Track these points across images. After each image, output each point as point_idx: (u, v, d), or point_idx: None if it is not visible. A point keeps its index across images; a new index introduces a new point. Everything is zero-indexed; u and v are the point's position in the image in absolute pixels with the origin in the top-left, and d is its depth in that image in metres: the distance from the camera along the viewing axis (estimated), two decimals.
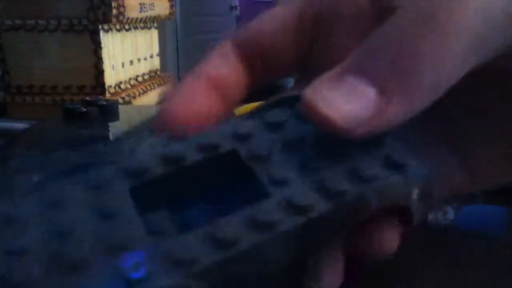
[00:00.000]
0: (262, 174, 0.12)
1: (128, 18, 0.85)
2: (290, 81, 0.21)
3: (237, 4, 3.47)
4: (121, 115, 0.51)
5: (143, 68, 0.99)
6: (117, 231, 0.11)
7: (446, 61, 0.13)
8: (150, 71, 1.04)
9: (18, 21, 0.82)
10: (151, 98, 0.97)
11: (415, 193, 0.13)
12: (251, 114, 0.14)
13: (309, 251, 0.12)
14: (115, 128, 0.49)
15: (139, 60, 0.97)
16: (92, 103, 0.49)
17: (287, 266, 0.11)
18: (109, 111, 0.48)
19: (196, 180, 0.13)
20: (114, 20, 0.81)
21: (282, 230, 0.11)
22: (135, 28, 0.95)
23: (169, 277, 0.10)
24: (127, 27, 0.90)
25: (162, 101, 0.16)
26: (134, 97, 0.88)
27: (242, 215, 0.11)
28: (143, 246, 0.10)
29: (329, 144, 0.13)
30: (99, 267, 0.10)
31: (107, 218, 0.11)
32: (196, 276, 0.10)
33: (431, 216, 0.26)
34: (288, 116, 0.14)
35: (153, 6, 0.98)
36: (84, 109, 0.46)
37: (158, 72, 1.09)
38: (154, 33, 1.06)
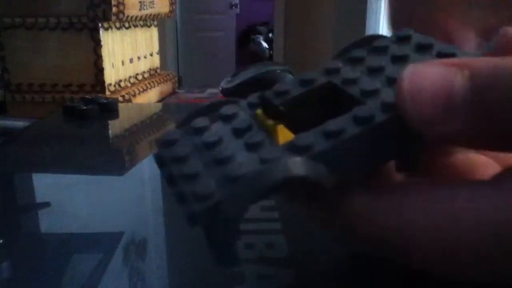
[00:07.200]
0: (355, 91, 0.15)
1: (128, 16, 0.85)
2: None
3: (237, 1, 3.47)
4: (121, 113, 0.51)
5: (143, 66, 0.99)
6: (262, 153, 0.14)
7: None
8: (150, 69, 1.04)
9: (18, 19, 0.82)
10: (151, 96, 0.97)
11: None
12: (337, 56, 0.18)
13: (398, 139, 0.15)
14: (115, 126, 0.48)
15: (139, 58, 0.97)
16: (92, 101, 0.49)
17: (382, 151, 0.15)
18: (109, 109, 0.48)
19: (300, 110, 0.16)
20: (114, 18, 0.81)
21: (377, 122, 0.14)
22: (135, 26, 0.95)
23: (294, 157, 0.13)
24: (127, 25, 0.90)
25: None
26: (134, 95, 0.88)
27: (346, 116, 0.14)
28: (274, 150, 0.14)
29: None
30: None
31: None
32: (313, 158, 0.13)
33: None
34: (367, 52, 0.17)
35: (153, 4, 0.98)
36: (84, 107, 0.46)
37: (158, 70, 1.09)
38: (154, 31, 1.06)
